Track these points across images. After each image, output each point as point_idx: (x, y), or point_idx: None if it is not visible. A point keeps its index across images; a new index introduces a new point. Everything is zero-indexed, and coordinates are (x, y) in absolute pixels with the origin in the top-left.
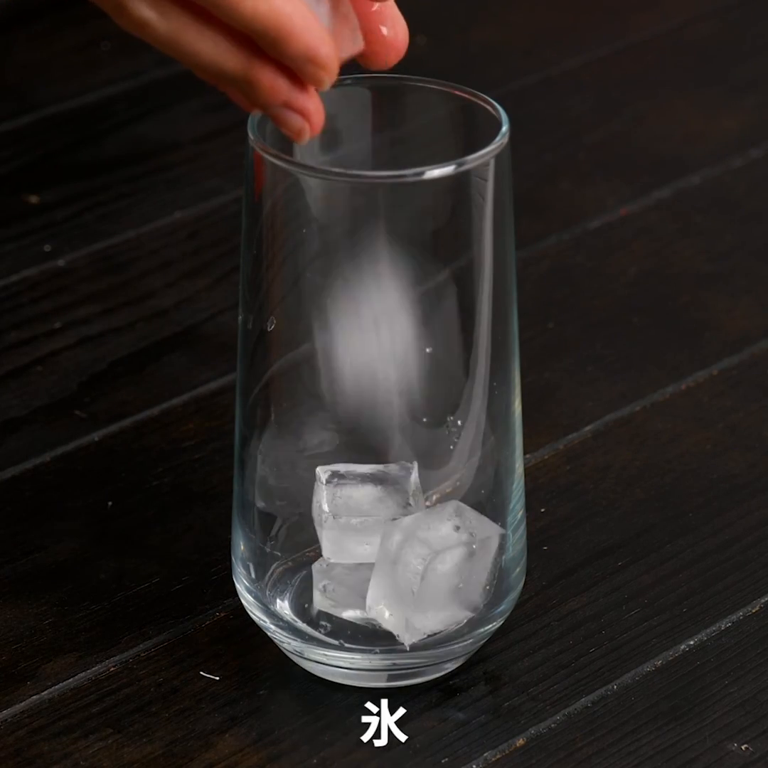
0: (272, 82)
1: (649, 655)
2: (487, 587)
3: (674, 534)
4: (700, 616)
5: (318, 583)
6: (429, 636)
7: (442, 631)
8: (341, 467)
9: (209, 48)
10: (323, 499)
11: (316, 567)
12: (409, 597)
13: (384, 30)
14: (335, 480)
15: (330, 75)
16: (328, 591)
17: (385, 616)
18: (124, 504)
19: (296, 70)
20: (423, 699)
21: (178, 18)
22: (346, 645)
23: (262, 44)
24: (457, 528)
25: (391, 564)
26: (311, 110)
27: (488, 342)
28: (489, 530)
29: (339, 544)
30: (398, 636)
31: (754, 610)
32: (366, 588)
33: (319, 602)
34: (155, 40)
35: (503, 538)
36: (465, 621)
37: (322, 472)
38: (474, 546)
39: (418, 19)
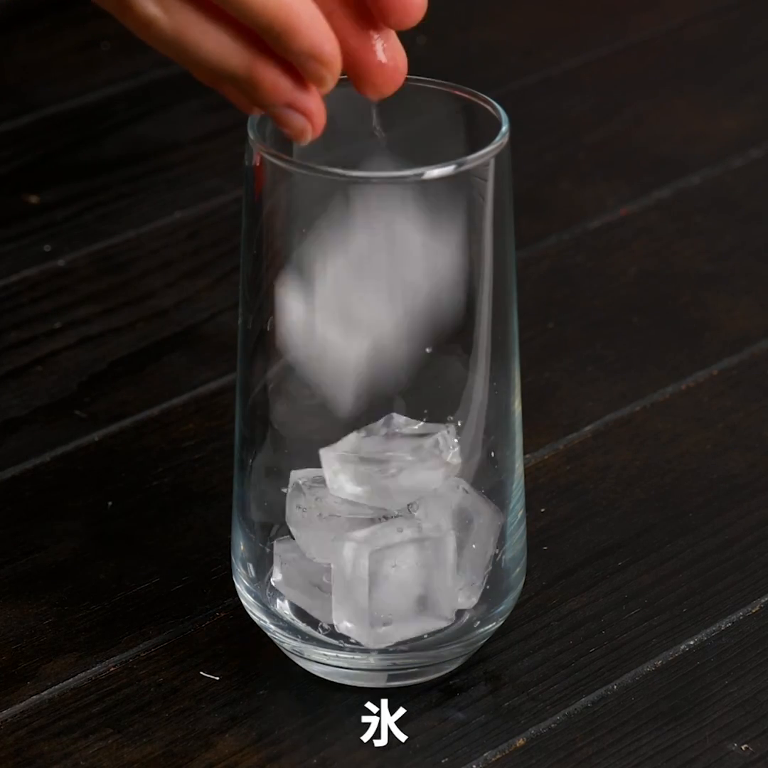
0: (275, 81)
1: (649, 655)
2: (459, 588)
3: (674, 534)
4: (700, 616)
5: (277, 560)
6: (401, 642)
7: (418, 638)
8: (316, 472)
9: (213, 45)
10: (304, 501)
11: (277, 547)
12: (363, 610)
13: (383, 58)
14: (311, 483)
15: (332, 74)
16: (284, 569)
17: (352, 632)
18: (124, 504)
19: (299, 67)
20: (423, 699)
21: (183, 14)
22: (346, 645)
23: (267, 38)
24: (400, 530)
25: (346, 581)
26: (313, 110)
27: (488, 342)
28: (442, 526)
29: (322, 543)
30: (365, 645)
31: (754, 610)
32: (318, 576)
33: (275, 576)
34: (159, 38)
35: (469, 529)
36: (440, 629)
37: (297, 476)
38: (426, 551)
39: None
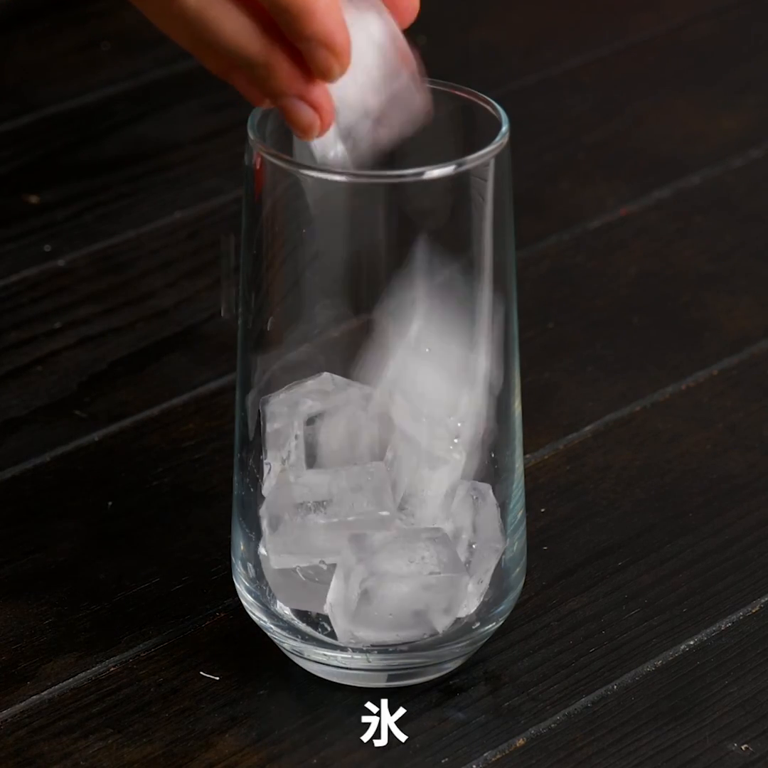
0: (291, 70)
1: (649, 655)
2: (450, 616)
3: (674, 534)
4: (700, 616)
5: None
6: (374, 645)
7: (417, 638)
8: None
9: (234, 26)
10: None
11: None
12: (351, 611)
13: None
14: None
15: (341, 65)
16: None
17: (334, 620)
18: (124, 504)
19: (308, 54)
20: (423, 699)
21: None
22: (346, 645)
23: (282, 21)
24: (411, 561)
25: (346, 574)
26: (324, 104)
27: (488, 342)
28: (457, 568)
29: (305, 542)
30: (339, 638)
31: (754, 610)
32: (313, 540)
33: (267, 541)
34: (182, 15)
35: (472, 578)
36: (421, 637)
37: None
38: (432, 581)
39: (418, 19)
